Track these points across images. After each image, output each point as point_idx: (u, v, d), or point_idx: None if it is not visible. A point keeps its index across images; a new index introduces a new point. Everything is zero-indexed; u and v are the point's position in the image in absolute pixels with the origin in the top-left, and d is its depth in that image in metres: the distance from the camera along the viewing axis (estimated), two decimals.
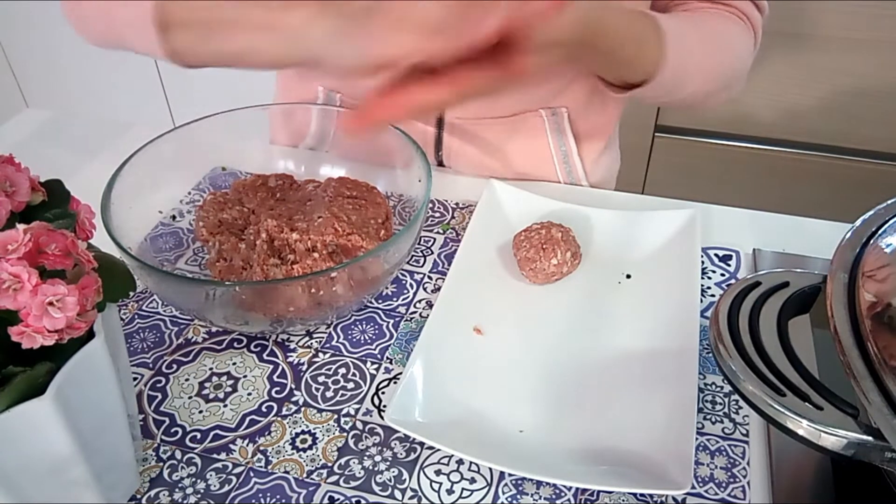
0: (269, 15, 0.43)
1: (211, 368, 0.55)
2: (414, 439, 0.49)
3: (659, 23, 0.60)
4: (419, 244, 0.66)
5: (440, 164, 0.77)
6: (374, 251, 0.53)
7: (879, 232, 0.47)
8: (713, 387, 0.53)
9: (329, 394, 0.53)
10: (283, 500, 0.46)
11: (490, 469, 0.48)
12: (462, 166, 0.76)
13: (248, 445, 0.50)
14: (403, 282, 0.62)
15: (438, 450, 0.49)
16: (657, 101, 0.67)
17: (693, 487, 0.47)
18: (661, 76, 0.60)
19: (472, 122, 0.74)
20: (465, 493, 0.47)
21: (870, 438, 0.39)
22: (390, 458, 0.49)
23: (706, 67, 0.65)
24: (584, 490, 0.46)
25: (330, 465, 0.48)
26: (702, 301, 0.59)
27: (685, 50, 0.62)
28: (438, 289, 0.61)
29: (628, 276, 0.60)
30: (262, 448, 0.49)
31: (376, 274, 0.54)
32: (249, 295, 0.52)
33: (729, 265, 0.63)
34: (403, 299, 0.60)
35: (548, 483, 0.47)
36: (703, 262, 0.63)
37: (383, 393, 0.53)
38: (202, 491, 0.47)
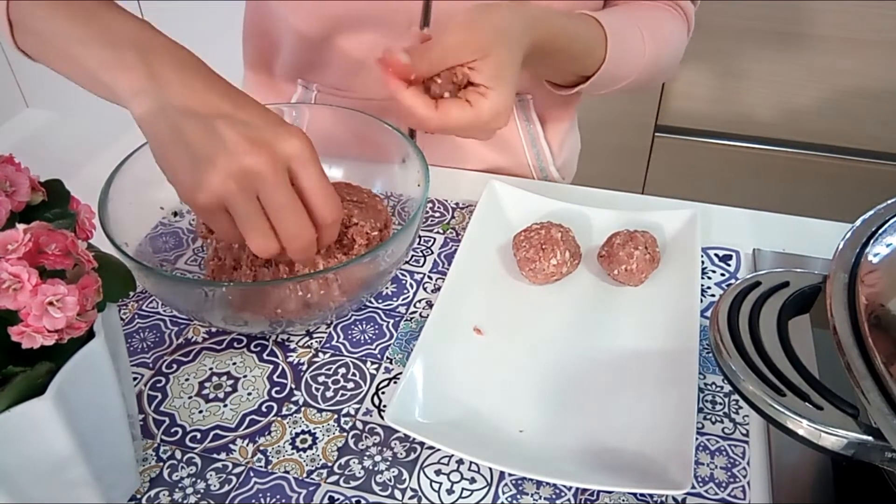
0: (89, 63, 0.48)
1: (211, 368, 0.55)
2: (414, 439, 0.49)
3: (598, 20, 0.64)
4: (419, 244, 0.66)
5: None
6: (370, 252, 0.53)
7: (879, 232, 0.47)
8: (713, 387, 0.53)
9: (329, 394, 0.53)
10: (283, 500, 0.46)
11: (490, 469, 0.48)
12: (433, 153, 0.75)
13: (248, 445, 0.50)
14: (403, 282, 0.62)
15: (438, 450, 0.49)
16: (598, 93, 0.71)
17: (693, 487, 0.47)
18: (603, 70, 0.64)
19: None
20: (465, 493, 0.47)
21: (870, 438, 0.39)
22: (390, 458, 0.49)
23: (644, 59, 0.69)
24: (584, 490, 0.46)
25: (330, 464, 0.48)
26: (702, 301, 0.59)
27: (624, 44, 0.66)
28: (438, 289, 0.61)
29: None
30: (262, 448, 0.49)
31: (370, 275, 0.54)
32: (237, 295, 0.52)
33: (729, 265, 0.63)
34: (403, 299, 0.60)
35: (548, 483, 0.47)
36: (703, 262, 0.63)
37: (383, 393, 0.53)
38: (202, 491, 0.47)
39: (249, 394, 0.53)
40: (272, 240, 0.47)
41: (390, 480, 0.47)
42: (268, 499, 0.47)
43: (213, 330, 0.58)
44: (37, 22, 0.51)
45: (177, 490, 0.47)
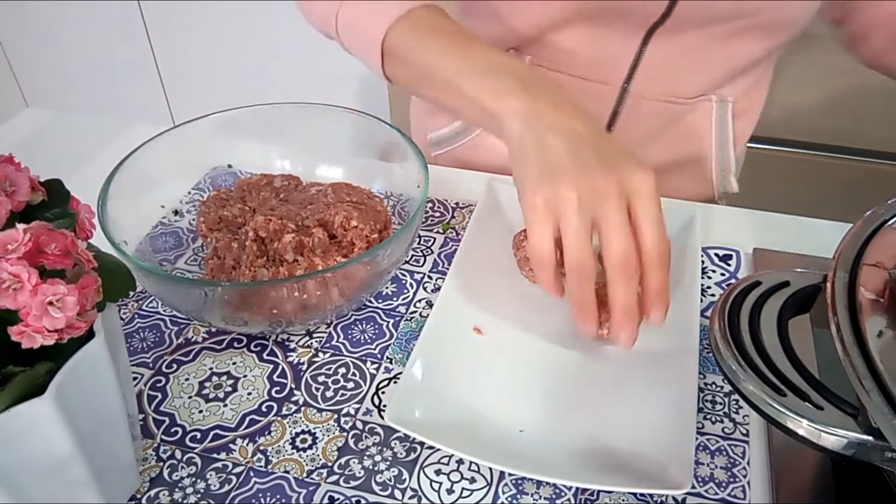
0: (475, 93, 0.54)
1: (211, 368, 0.55)
2: (414, 439, 0.49)
3: None
4: (419, 244, 0.66)
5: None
6: (369, 252, 0.53)
7: (880, 231, 0.47)
8: (713, 387, 0.53)
9: (329, 393, 0.53)
10: (283, 500, 0.46)
11: (490, 469, 0.48)
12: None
13: (248, 445, 0.50)
14: (403, 282, 0.62)
15: (438, 450, 0.49)
16: None
17: (693, 487, 0.47)
18: None
19: (655, 101, 0.75)
20: (465, 493, 0.47)
21: (870, 438, 0.39)
22: (390, 458, 0.49)
23: None
24: (584, 490, 0.47)
25: (330, 464, 0.48)
26: (702, 301, 0.59)
27: None
28: (438, 289, 0.61)
29: None
30: (262, 448, 0.49)
31: (370, 276, 0.54)
32: (236, 295, 0.52)
33: (729, 265, 0.63)
34: (403, 299, 0.60)
35: (548, 483, 0.47)
36: (703, 262, 0.63)
37: (383, 393, 0.53)
38: (202, 491, 0.47)
39: (249, 394, 0.53)
40: (589, 261, 0.48)
41: (390, 480, 0.47)
42: (268, 499, 0.47)
43: (213, 330, 0.58)
44: (413, 55, 0.59)
45: (177, 490, 0.47)
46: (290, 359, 0.56)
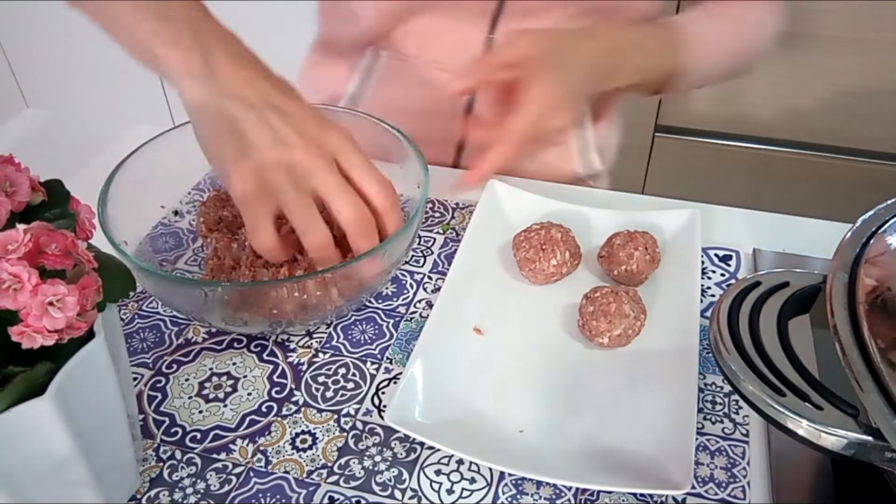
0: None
1: (211, 368, 0.55)
2: (414, 439, 0.49)
3: (676, 30, 0.66)
4: (419, 244, 0.66)
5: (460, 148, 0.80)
6: (369, 252, 0.53)
7: (879, 232, 0.47)
8: (713, 387, 0.53)
9: (329, 394, 0.53)
10: (283, 500, 0.46)
11: (490, 469, 0.48)
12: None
13: (248, 445, 0.50)
14: (403, 282, 0.62)
15: (438, 450, 0.49)
16: (683, 91, 0.73)
17: (693, 487, 0.47)
18: (686, 77, 0.66)
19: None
20: (465, 493, 0.47)
21: (870, 438, 0.39)
22: (390, 458, 0.49)
23: (729, 58, 0.70)
24: (584, 490, 0.46)
25: (330, 465, 0.48)
26: (702, 301, 0.59)
27: (708, 49, 0.67)
28: (438, 289, 0.61)
29: None
30: (262, 448, 0.49)
31: (368, 277, 0.54)
32: (235, 295, 0.52)
33: (729, 265, 0.63)
34: (403, 299, 0.60)
35: (548, 483, 0.47)
36: (703, 262, 0.63)
37: (383, 393, 0.53)
38: (202, 491, 0.47)
39: (249, 394, 0.53)
40: (325, 229, 0.48)
41: (390, 480, 0.47)
42: (268, 499, 0.47)
43: (213, 330, 0.58)
44: None
45: (177, 490, 0.47)
46: (290, 359, 0.56)
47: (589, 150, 0.83)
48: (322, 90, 0.81)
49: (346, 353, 0.56)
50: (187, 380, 0.54)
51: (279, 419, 0.51)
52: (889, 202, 0.50)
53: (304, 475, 0.48)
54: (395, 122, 0.62)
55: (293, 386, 0.54)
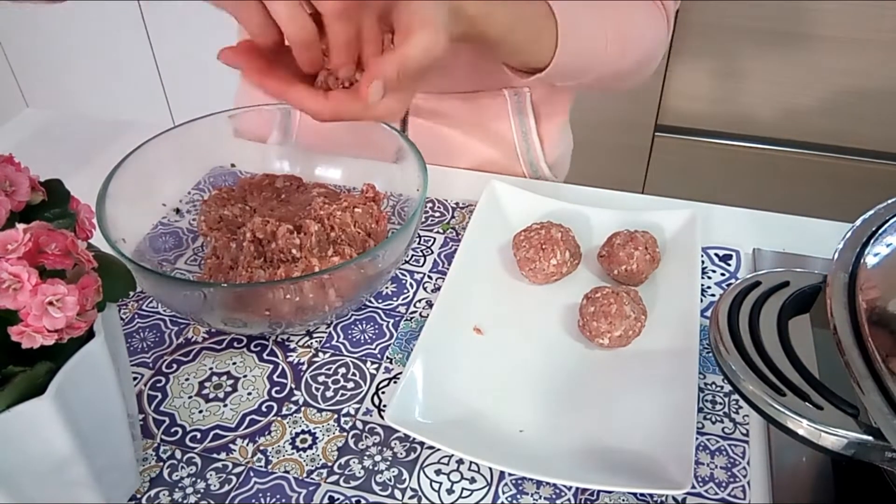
0: None
1: (211, 368, 0.55)
2: (414, 439, 0.49)
3: (551, 7, 0.62)
4: (419, 244, 0.66)
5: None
6: (368, 253, 0.53)
7: (879, 232, 0.47)
8: (713, 387, 0.53)
9: (329, 393, 0.53)
10: (283, 500, 0.46)
11: (490, 469, 0.48)
12: (425, 145, 0.71)
13: (248, 445, 0.50)
14: (403, 281, 0.62)
15: (438, 450, 0.49)
16: (566, 84, 0.71)
17: (693, 487, 0.47)
18: (558, 60, 0.62)
19: (436, 99, 0.76)
20: (465, 493, 0.47)
21: (870, 438, 0.39)
22: (390, 458, 0.49)
23: (610, 51, 0.67)
24: (584, 490, 0.46)
25: (330, 464, 0.48)
26: (702, 301, 0.59)
27: (584, 34, 0.64)
28: (438, 288, 0.61)
29: None
30: (262, 448, 0.49)
31: (368, 277, 0.54)
32: (232, 296, 0.52)
33: (729, 265, 0.63)
34: (403, 299, 0.60)
35: (548, 483, 0.47)
36: (703, 262, 0.63)
37: (383, 393, 0.53)
38: (202, 491, 0.47)
39: (249, 394, 0.53)
40: (308, 21, 0.45)
41: (390, 480, 0.47)
42: (268, 499, 0.47)
43: (213, 330, 0.58)
44: None
45: (177, 490, 0.47)
46: (290, 359, 0.56)
47: (539, 160, 0.82)
48: None
49: (346, 353, 0.56)
50: (187, 379, 0.54)
51: (279, 419, 0.51)
52: (889, 202, 0.50)
53: (304, 475, 0.48)
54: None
55: (293, 385, 0.54)
